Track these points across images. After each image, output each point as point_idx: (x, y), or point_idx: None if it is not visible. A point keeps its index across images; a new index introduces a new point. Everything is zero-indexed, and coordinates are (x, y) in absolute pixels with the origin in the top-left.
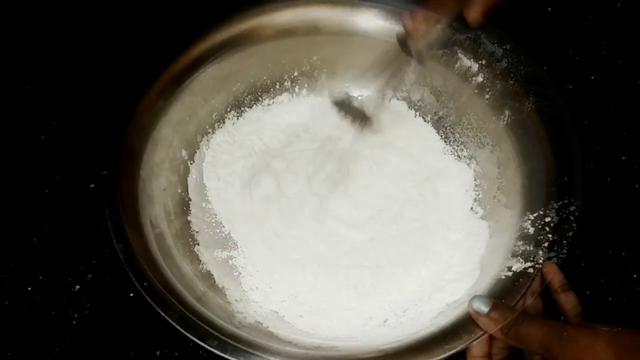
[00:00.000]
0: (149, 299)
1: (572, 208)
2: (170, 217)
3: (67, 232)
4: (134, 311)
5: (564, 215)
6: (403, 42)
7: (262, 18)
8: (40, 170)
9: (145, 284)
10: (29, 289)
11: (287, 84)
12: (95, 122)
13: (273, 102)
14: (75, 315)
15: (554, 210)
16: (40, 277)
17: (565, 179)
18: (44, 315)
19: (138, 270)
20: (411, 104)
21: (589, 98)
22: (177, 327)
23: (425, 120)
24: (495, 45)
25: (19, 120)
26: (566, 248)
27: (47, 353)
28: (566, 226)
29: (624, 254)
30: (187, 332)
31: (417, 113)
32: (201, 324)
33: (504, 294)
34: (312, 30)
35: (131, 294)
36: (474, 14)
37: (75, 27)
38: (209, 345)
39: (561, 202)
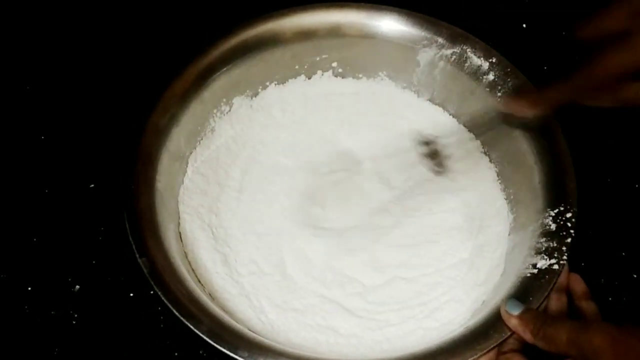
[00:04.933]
0: (176, 313)
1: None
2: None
3: (67, 232)
4: (134, 311)
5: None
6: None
7: (269, 24)
8: (40, 170)
9: (172, 297)
10: (29, 289)
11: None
12: (96, 122)
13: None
14: (75, 315)
15: (575, 207)
16: (40, 277)
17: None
18: (44, 315)
19: (164, 284)
20: None
21: None
22: (208, 340)
23: None
24: (481, 58)
25: (19, 120)
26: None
27: (47, 353)
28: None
29: (624, 254)
30: (218, 344)
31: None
32: (231, 336)
33: (531, 291)
34: (312, 36)
35: (131, 294)
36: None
37: (78, 29)
38: (240, 356)
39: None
